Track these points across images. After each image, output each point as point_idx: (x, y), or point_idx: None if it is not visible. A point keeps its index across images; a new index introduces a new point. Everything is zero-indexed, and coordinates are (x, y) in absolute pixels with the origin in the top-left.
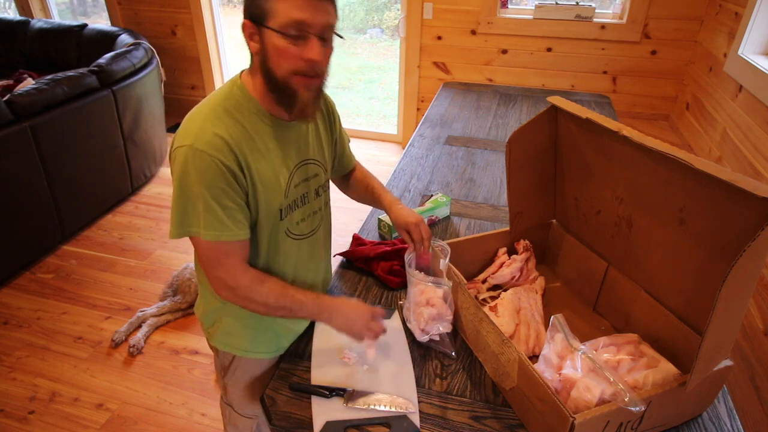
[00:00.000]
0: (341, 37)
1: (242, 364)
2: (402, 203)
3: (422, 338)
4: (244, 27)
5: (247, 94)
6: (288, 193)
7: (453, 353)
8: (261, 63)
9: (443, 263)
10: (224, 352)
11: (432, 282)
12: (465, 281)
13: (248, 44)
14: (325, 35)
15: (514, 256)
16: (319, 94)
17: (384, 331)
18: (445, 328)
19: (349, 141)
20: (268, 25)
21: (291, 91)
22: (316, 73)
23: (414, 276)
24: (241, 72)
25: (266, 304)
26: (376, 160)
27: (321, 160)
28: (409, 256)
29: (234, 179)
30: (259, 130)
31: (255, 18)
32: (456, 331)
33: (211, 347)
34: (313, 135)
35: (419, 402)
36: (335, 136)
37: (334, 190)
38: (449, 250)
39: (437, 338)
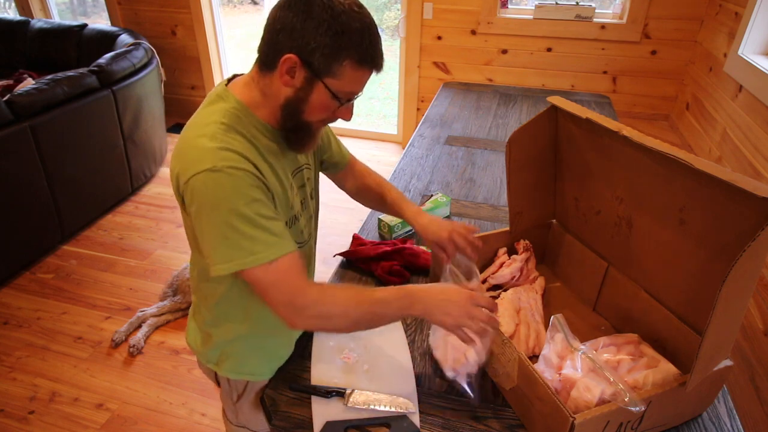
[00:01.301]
0: None
1: (256, 385)
2: (425, 213)
3: (450, 373)
4: (286, 60)
5: (244, 108)
6: (293, 204)
7: (474, 397)
8: (289, 99)
9: (475, 284)
10: (237, 380)
11: None
12: (466, 280)
13: (280, 75)
14: None
15: (514, 256)
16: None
17: (491, 322)
18: (473, 369)
19: (336, 141)
20: (326, 83)
21: (311, 133)
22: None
23: None
24: (227, 84)
25: (347, 314)
26: (376, 160)
27: (310, 163)
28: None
29: (265, 187)
30: (261, 142)
31: (311, 66)
32: (484, 373)
33: (218, 377)
34: None
35: (419, 402)
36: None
37: (332, 190)
38: (478, 273)
39: (463, 380)
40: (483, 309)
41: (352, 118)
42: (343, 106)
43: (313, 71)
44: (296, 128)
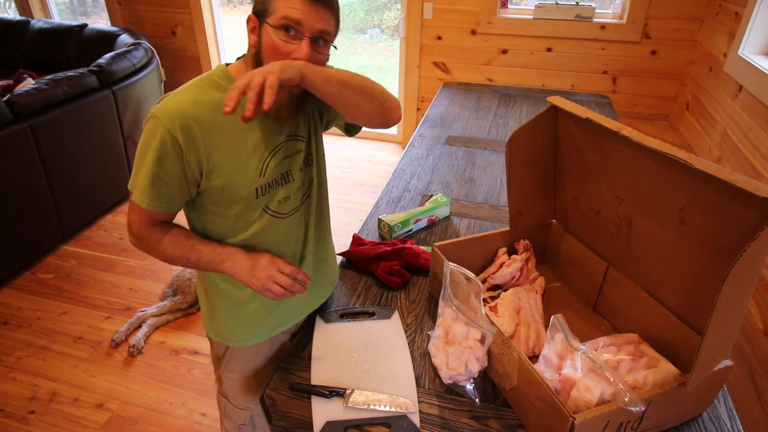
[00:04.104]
0: (335, 47)
1: (235, 355)
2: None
3: (448, 380)
4: (248, 20)
5: (228, 75)
6: (265, 173)
7: (477, 400)
8: (254, 55)
9: (475, 301)
10: (217, 342)
11: (478, 325)
12: (465, 281)
13: (249, 36)
14: (319, 41)
15: (514, 256)
16: (298, 99)
17: (294, 288)
18: (474, 374)
19: None
20: (268, 22)
21: None
22: None
23: (462, 312)
24: (229, 63)
25: (164, 253)
26: (377, 160)
27: (304, 135)
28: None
29: (179, 154)
30: (236, 110)
31: (258, 13)
32: (484, 374)
33: (209, 339)
34: (302, 113)
35: (419, 402)
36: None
37: (331, 191)
38: (481, 286)
39: (464, 384)
40: (286, 276)
41: (305, 57)
42: (292, 44)
43: (260, 19)
44: None
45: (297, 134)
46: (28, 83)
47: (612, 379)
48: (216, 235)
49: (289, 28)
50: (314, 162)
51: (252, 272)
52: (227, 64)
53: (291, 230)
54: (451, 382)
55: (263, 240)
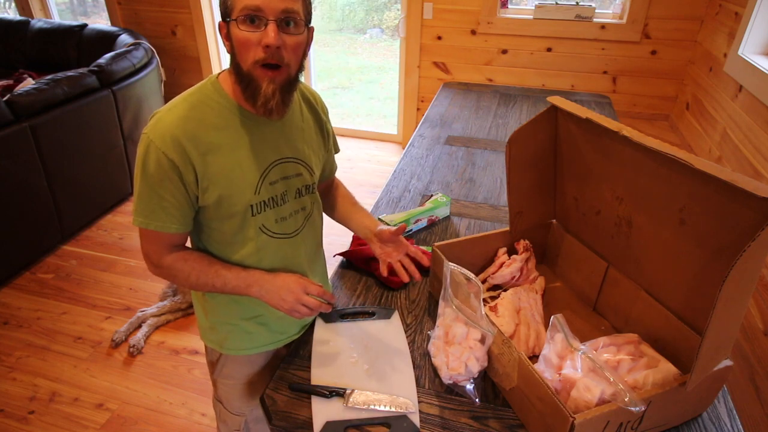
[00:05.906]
0: (308, 25)
1: (229, 361)
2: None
3: (448, 380)
4: (220, 28)
5: (220, 90)
6: (260, 190)
7: (477, 400)
8: (231, 59)
9: (475, 301)
10: (211, 348)
11: (478, 325)
12: (465, 281)
13: (225, 44)
14: (288, 22)
15: (514, 256)
16: (286, 89)
17: (321, 308)
18: (474, 374)
19: (337, 151)
20: (232, 18)
21: (255, 84)
22: (278, 62)
23: (462, 313)
24: (221, 72)
25: (188, 280)
26: (376, 160)
27: (305, 160)
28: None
29: (177, 174)
30: (228, 125)
31: (224, 16)
32: (484, 374)
33: (205, 345)
34: (299, 134)
35: (419, 402)
36: (327, 142)
37: None
38: (481, 286)
39: (464, 384)
40: (313, 297)
41: (273, 40)
42: (259, 32)
43: (226, 21)
44: (244, 82)
45: (297, 158)
46: (28, 83)
47: (612, 379)
48: (214, 252)
49: (252, 18)
50: (311, 194)
51: (279, 295)
52: (218, 74)
53: (293, 251)
54: (451, 382)
55: (262, 259)
